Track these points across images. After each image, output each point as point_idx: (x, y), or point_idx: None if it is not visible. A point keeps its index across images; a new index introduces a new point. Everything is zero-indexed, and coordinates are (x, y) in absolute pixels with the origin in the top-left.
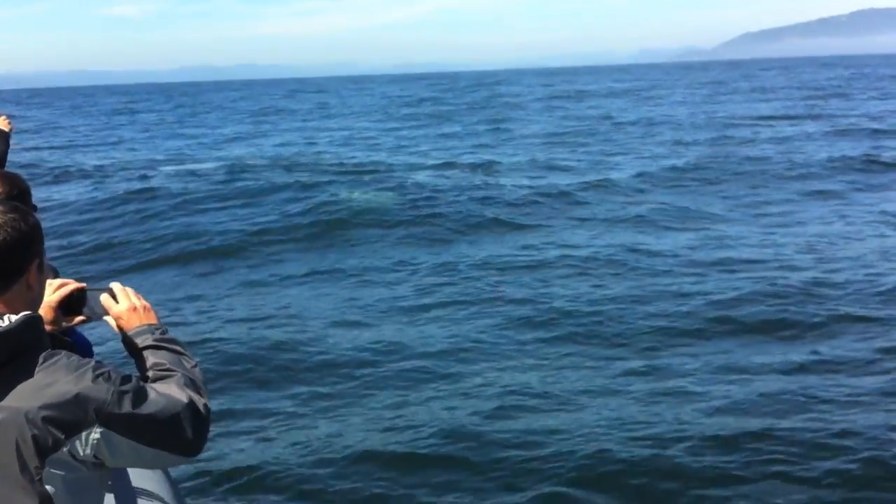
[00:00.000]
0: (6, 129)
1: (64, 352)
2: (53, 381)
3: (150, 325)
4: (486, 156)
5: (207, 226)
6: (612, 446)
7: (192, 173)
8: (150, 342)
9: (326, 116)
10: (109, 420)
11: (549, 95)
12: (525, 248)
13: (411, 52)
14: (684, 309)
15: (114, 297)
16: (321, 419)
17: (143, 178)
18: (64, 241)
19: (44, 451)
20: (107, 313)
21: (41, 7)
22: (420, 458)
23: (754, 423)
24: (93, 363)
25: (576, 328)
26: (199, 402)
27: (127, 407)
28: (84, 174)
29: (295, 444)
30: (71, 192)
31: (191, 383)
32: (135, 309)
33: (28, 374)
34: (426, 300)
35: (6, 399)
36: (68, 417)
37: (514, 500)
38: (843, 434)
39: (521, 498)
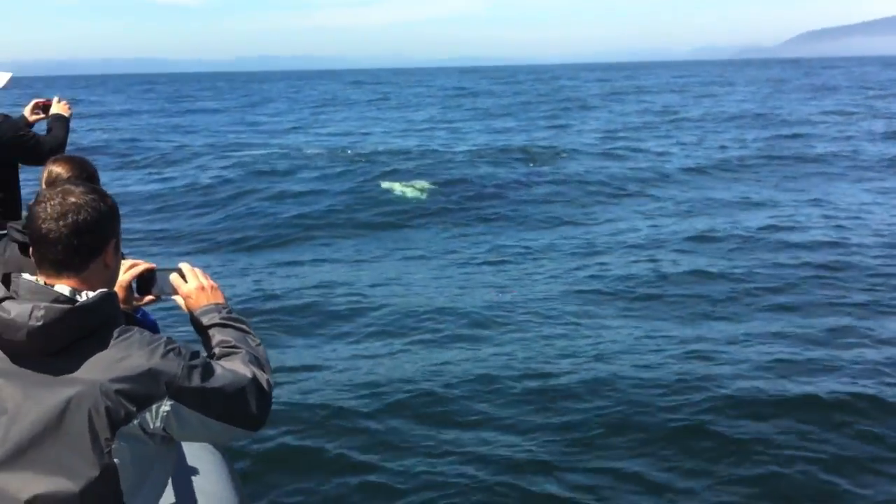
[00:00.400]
0: (66, 114)
1: (136, 328)
2: (127, 355)
3: (217, 303)
4: (544, 146)
5: (269, 210)
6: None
7: (256, 160)
8: (216, 320)
9: (391, 108)
10: (179, 393)
11: (607, 91)
12: (585, 232)
13: (466, 46)
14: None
15: (183, 277)
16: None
17: (204, 167)
18: (130, 224)
19: (116, 423)
20: (175, 293)
21: None
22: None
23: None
24: (164, 339)
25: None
26: (263, 378)
27: (196, 381)
28: (149, 160)
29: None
30: (135, 177)
31: (255, 360)
32: (202, 288)
33: (103, 348)
34: (477, 277)
35: (81, 371)
36: (141, 390)
37: (548, 444)
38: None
39: (552, 437)
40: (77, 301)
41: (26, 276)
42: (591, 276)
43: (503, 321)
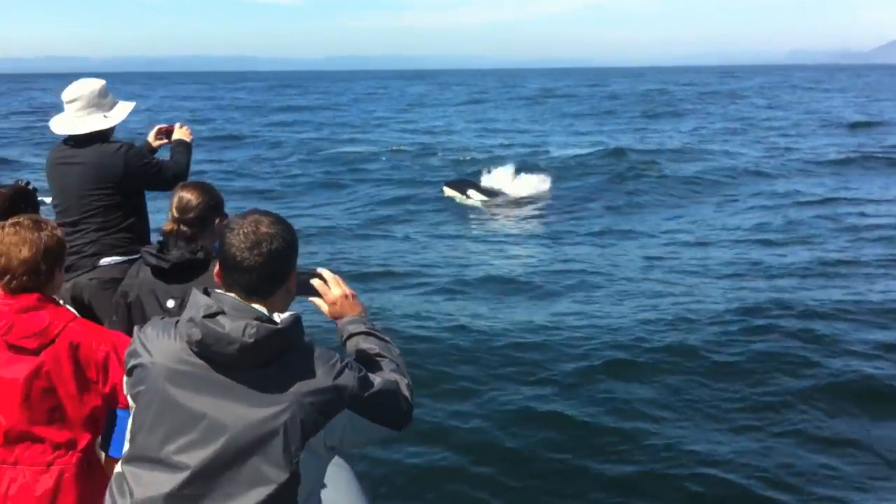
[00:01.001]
0: (188, 140)
1: (316, 346)
2: (314, 371)
3: (360, 313)
4: (636, 149)
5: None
6: None
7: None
8: (362, 329)
9: (479, 108)
10: (354, 402)
11: (699, 93)
12: (688, 224)
13: (555, 47)
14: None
15: (324, 281)
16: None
17: (305, 161)
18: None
19: (307, 433)
20: (314, 295)
21: None
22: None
23: None
24: (337, 355)
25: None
26: (405, 382)
27: (366, 390)
28: (241, 140)
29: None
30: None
31: (398, 368)
32: (346, 297)
33: (295, 365)
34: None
35: (277, 386)
36: (327, 403)
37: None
38: None
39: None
40: (278, 322)
41: (229, 294)
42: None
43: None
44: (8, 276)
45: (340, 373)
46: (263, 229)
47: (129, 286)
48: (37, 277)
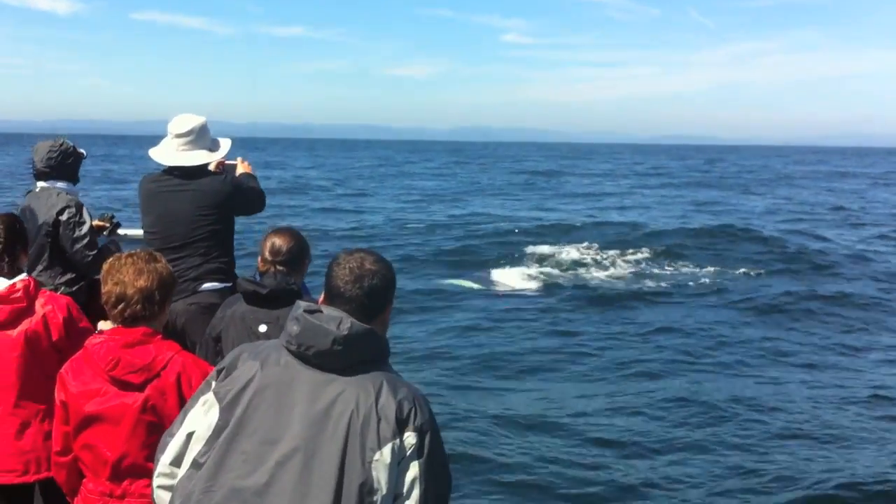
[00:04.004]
0: (252, 172)
1: (391, 369)
2: (395, 385)
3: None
4: (768, 224)
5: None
6: None
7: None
8: None
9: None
10: (422, 432)
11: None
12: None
13: (682, 124)
14: None
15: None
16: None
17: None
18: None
19: (382, 441)
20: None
21: (335, 64)
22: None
23: None
24: (422, 397)
25: None
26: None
27: (434, 430)
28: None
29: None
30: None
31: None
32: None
33: (380, 375)
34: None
35: (362, 388)
36: (402, 417)
37: None
38: None
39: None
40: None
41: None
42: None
43: None
44: (122, 305)
45: (416, 398)
46: (368, 266)
47: (218, 320)
48: (150, 307)
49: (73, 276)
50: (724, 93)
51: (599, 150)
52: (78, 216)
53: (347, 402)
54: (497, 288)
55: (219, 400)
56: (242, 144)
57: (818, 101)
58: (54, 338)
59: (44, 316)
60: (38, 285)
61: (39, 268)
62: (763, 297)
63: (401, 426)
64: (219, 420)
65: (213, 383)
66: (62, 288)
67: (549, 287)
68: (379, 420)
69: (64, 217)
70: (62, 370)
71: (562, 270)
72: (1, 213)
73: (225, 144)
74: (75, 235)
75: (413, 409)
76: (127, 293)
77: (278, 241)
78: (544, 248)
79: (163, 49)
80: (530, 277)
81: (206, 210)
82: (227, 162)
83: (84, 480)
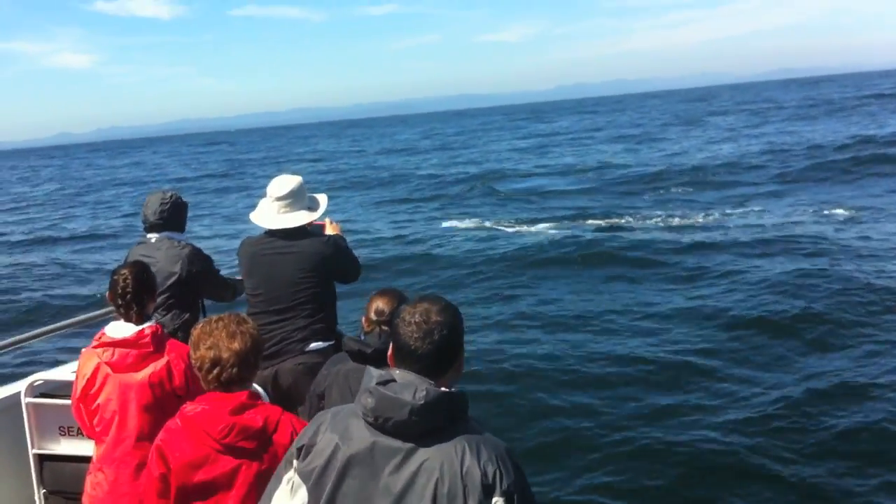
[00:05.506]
0: (339, 231)
1: (472, 424)
2: (481, 448)
3: None
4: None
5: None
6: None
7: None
8: None
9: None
10: (510, 498)
11: None
12: None
13: (792, 57)
14: None
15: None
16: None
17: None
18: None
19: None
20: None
21: (429, 38)
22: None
23: None
24: (504, 444)
25: None
26: None
27: (525, 492)
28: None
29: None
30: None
31: None
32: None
33: (462, 438)
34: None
35: (445, 454)
36: (489, 483)
37: None
38: None
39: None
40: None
41: (398, 371)
42: None
43: None
44: (218, 369)
45: (505, 460)
46: (434, 318)
47: (323, 377)
48: (247, 369)
49: (189, 317)
50: (834, 19)
51: (717, 92)
52: (209, 264)
53: (431, 472)
54: None
55: (304, 480)
56: (350, 125)
57: None
58: (176, 384)
59: (168, 362)
60: (165, 333)
61: (162, 312)
62: None
63: (487, 492)
64: (309, 500)
65: (295, 462)
66: (178, 334)
67: None
68: (465, 487)
69: (196, 268)
70: (159, 443)
71: None
72: (129, 263)
73: (323, 201)
74: (217, 283)
75: (497, 472)
76: (222, 357)
77: (381, 304)
78: None
79: (262, 42)
80: None
81: (308, 272)
82: (315, 222)
83: None
